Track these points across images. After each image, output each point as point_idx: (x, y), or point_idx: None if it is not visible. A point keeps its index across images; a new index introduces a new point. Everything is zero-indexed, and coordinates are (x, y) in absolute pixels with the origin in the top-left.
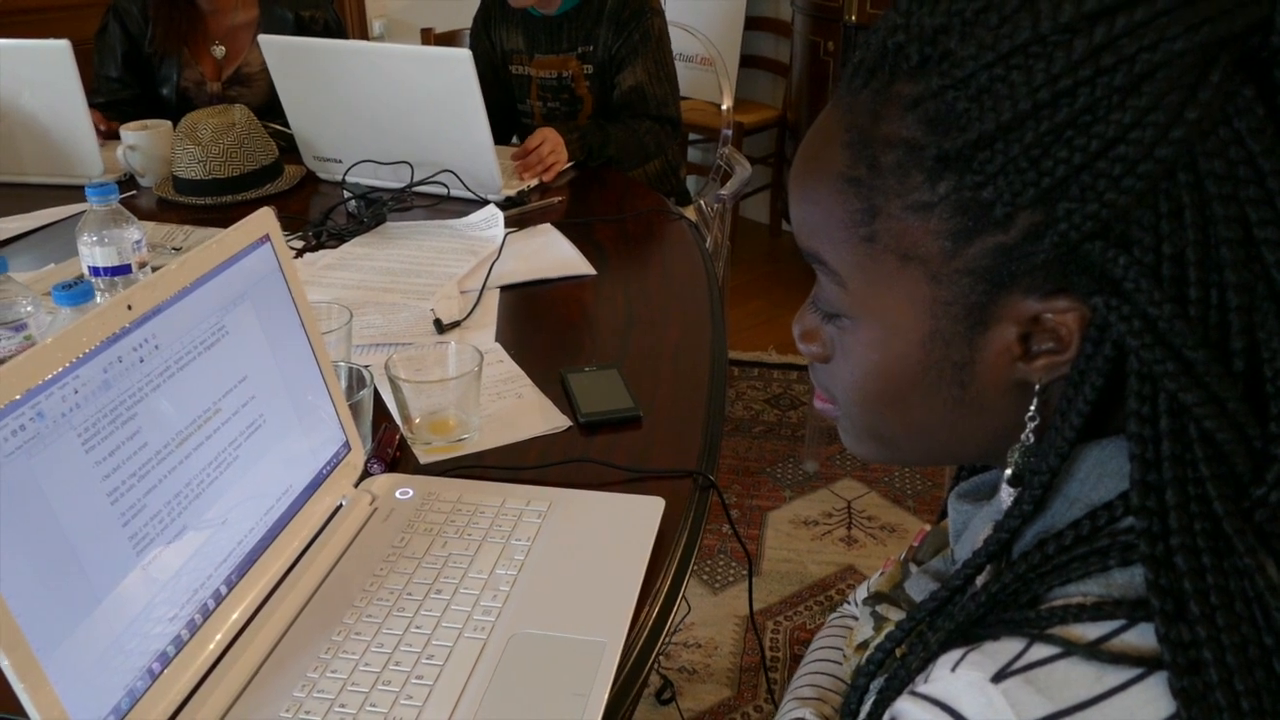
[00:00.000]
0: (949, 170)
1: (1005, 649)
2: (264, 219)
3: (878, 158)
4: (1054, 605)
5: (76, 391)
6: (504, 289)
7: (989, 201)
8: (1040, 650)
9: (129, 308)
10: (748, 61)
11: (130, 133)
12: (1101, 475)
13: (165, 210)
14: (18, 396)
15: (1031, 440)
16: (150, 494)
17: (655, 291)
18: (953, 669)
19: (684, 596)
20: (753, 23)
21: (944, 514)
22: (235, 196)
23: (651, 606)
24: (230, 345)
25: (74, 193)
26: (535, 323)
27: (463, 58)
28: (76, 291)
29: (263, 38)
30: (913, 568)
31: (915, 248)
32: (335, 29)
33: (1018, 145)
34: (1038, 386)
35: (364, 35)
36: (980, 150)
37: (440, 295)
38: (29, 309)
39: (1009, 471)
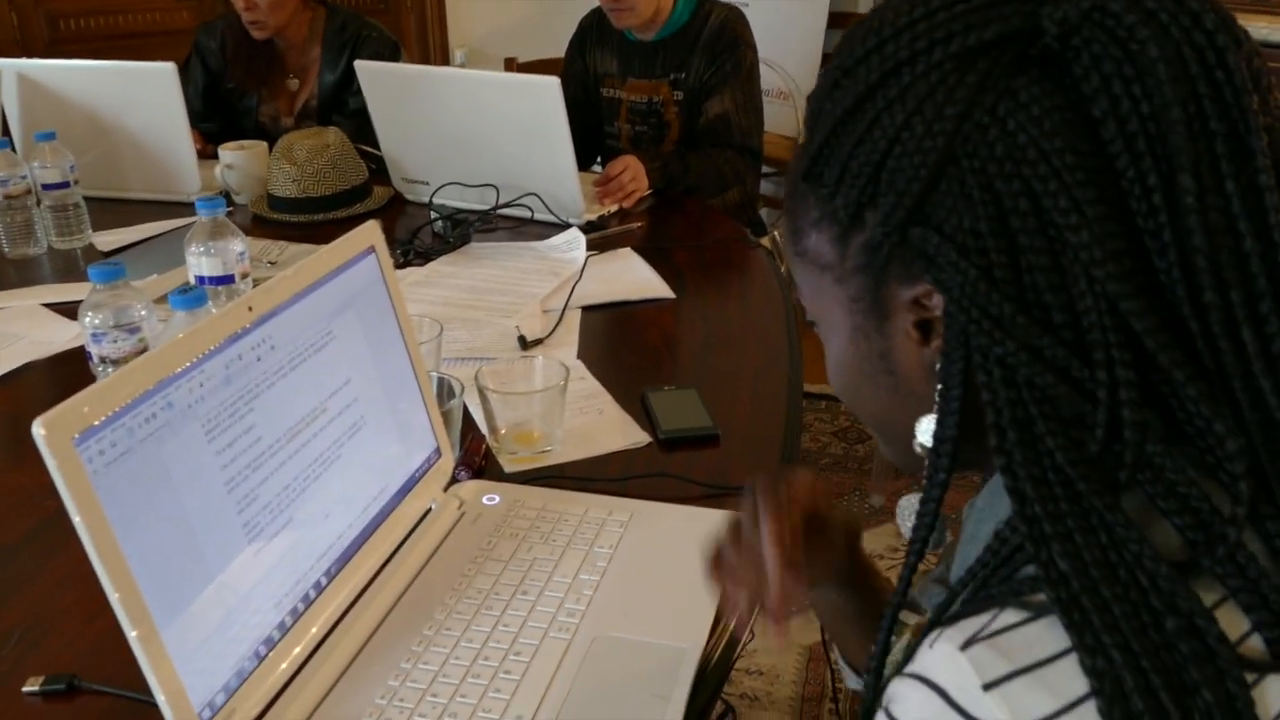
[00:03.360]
0: (813, 187)
1: (976, 621)
2: (369, 232)
3: (793, 189)
4: (1024, 576)
5: (202, 385)
6: (585, 309)
7: (840, 206)
8: (1007, 617)
9: (250, 309)
10: None
11: (228, 152)
12: None
13: (260, 226)
14: (151, 386)
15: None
16: (262, 485)
17: (733, 316)
18: (930, 645)
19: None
20: (832, 58)
21: None
22: (327, 215)
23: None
24: (336, 349)
25: (173, 208)
26: (616, 343)
27: (551, 85)
28: (191, 297)
29: (359, 63)
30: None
31: (821, 257)
32: (387, 60)
33: (839, 155)
34: (936, 367)
35: (445, 64)
36: (819, 165)
37: (524, 313)
38: (143, 313)
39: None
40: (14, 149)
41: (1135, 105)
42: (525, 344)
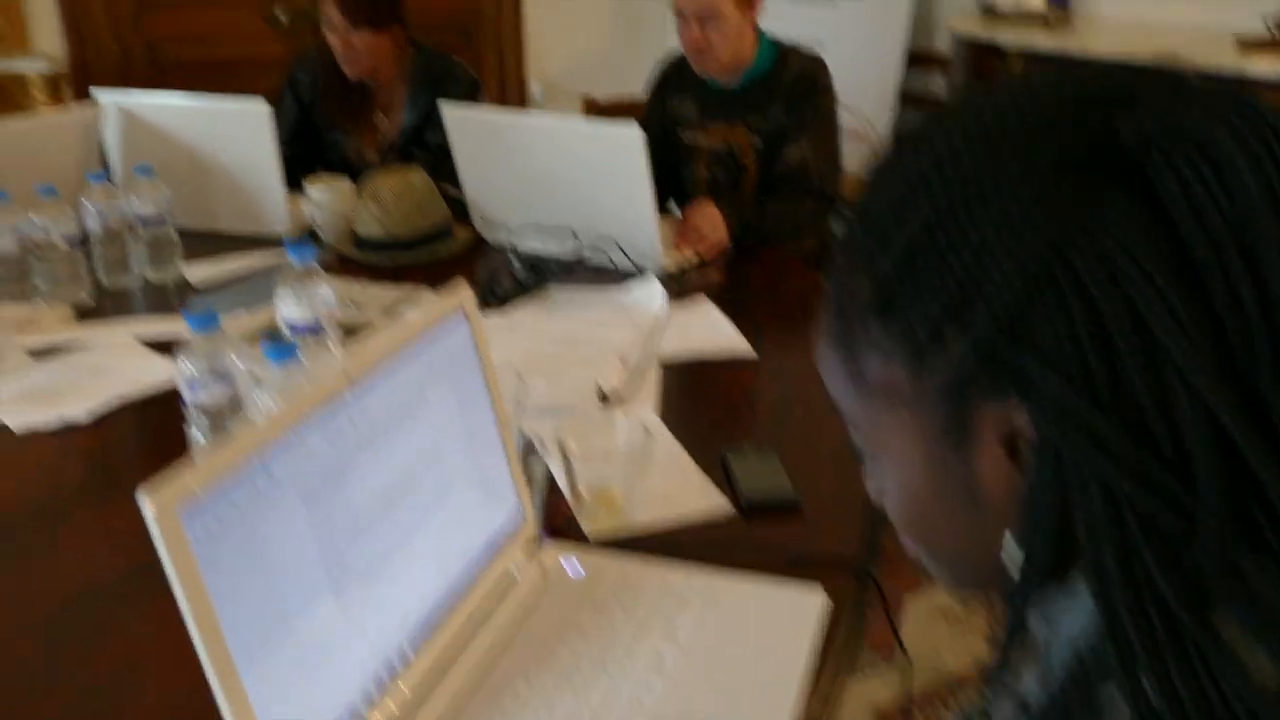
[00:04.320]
0: (884, 309)
1: None
2: (461, 292)
3: (846, 314)
4: (1106, 699)
5: (301, 455)
6: (664, 363)
7: (917, 327)
8: None
9: (346, 376)
10: None
11: (314, 189)
12: None
13: (344, 265)
14: (253, 458)
15: None
16: (353, 554)
17: (813, 375)
18: None
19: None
20: (907, 98)
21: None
22: (411, 256)
23: (811, 703)
24: (428, 413)
25: (260, 242)
26: (695, 400)
27: (634, 135)
28: (285, 350)
29: (445, 106)
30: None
31: (890, 385)
32: (468, 100)
33: (917, 277)
34: (1023, 488)
35: (522, 98)
36: (892, 292)
37: (603, 365)
38: (237, 362)
39: None
40: (112, 181)
41: (1218, 208)
42: (604, 398)
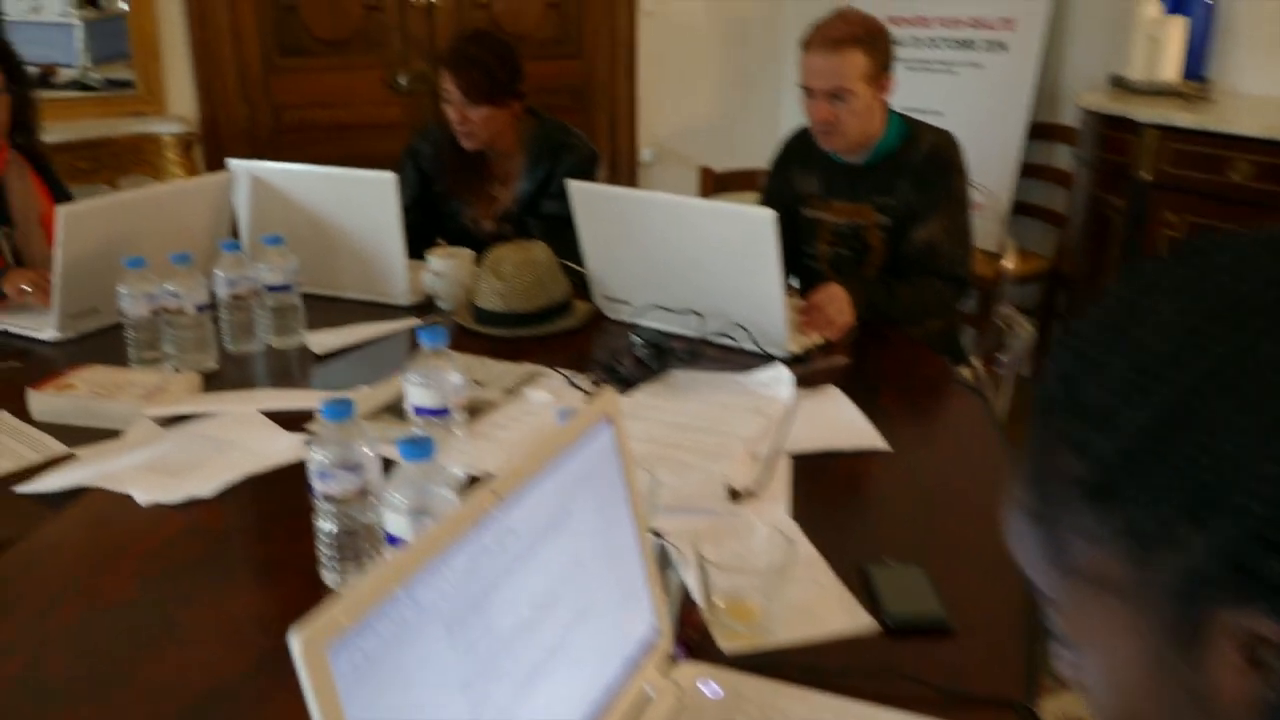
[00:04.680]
0: (1106, 498)
1: None
2: (608, 400)
3: (1049, 491)
4: None
5: (447, 581)
6: (793, 456)
7: (1143, 522)
8: None
9: (495, 494)
10: (1019, 208)
11: (436, 259)
12: None
13: (463, 337)
14: (401, 587)
15: None
16: (496, 682)
17: (952, 473)
18: None
19: None
20: (1029, 170)
21: None
22: (530, 330)
23: None
24: (572, 528)
25: (381, 310)
26: (828, 499)
27: (766, 219)
28: (420, 448)
29: (570, 183)
30: None
31: (1102, 574)
32: (584, 178)
33: (1151, 467)
34: (1265, 700)
35: (632, 162)
36: (1117, 473)
37: (731, 458)
38: (367, 452)
39: None
40: (240, 244)
41: None
42: (735, 495)
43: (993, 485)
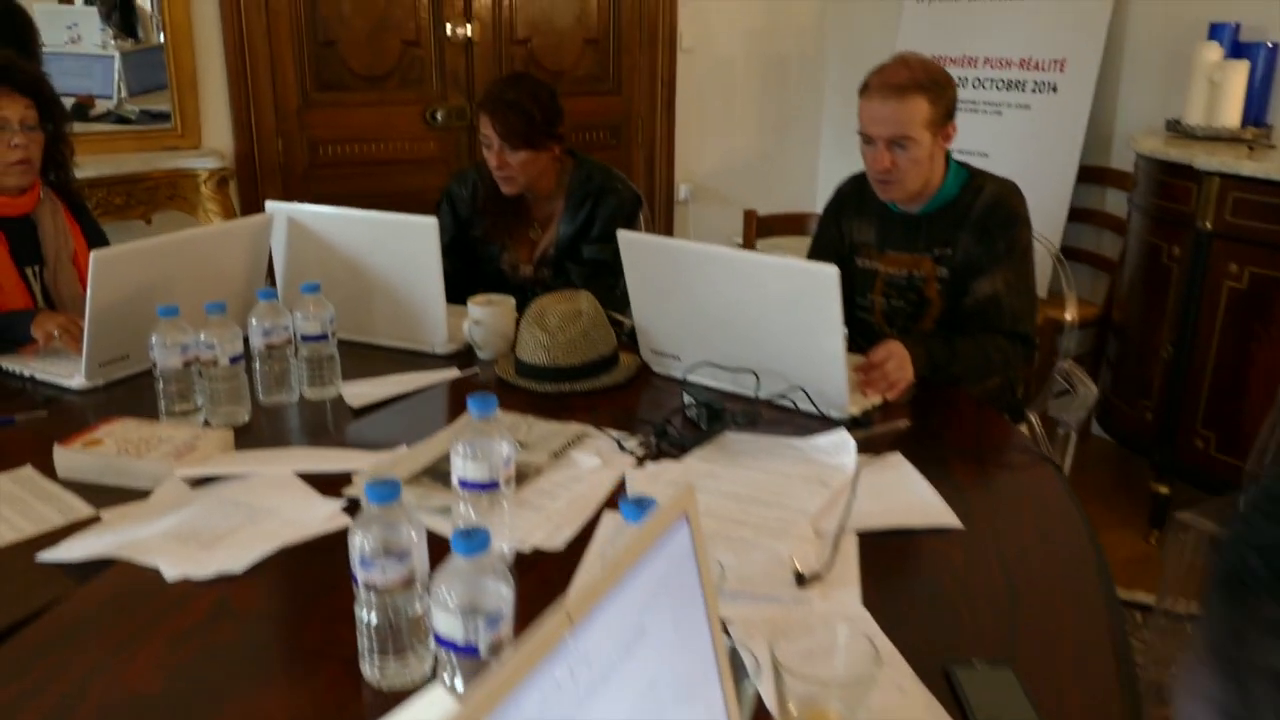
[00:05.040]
0: None
1: None
2: (685, 497)
3: (1252, 691)
4: None
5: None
6: (861, 534)
7: None
8: None
9: (568, 618)
10: (1066, 252)
11: (476, 307)
12: None
13: (504, 391)
14: None
15: None
16: None
17: (1033, 554)
18: None
19: None
20: (1077, 214)
21: None
22: (574, 385)
23: None
24: (648, 647)
25: (417, 359)
26: (902, 585)
27: (829, 275)
28: (474, 541)
29: (621, 234)
30: None
31: None
32: (626, 222)
33: None
34: None
35: (670, 200)
36: None
37: (795, 536)
38: (413, 536)
39: None
40: (275, 288)
41: None
42: (802, 580)
43: (1077, 568)
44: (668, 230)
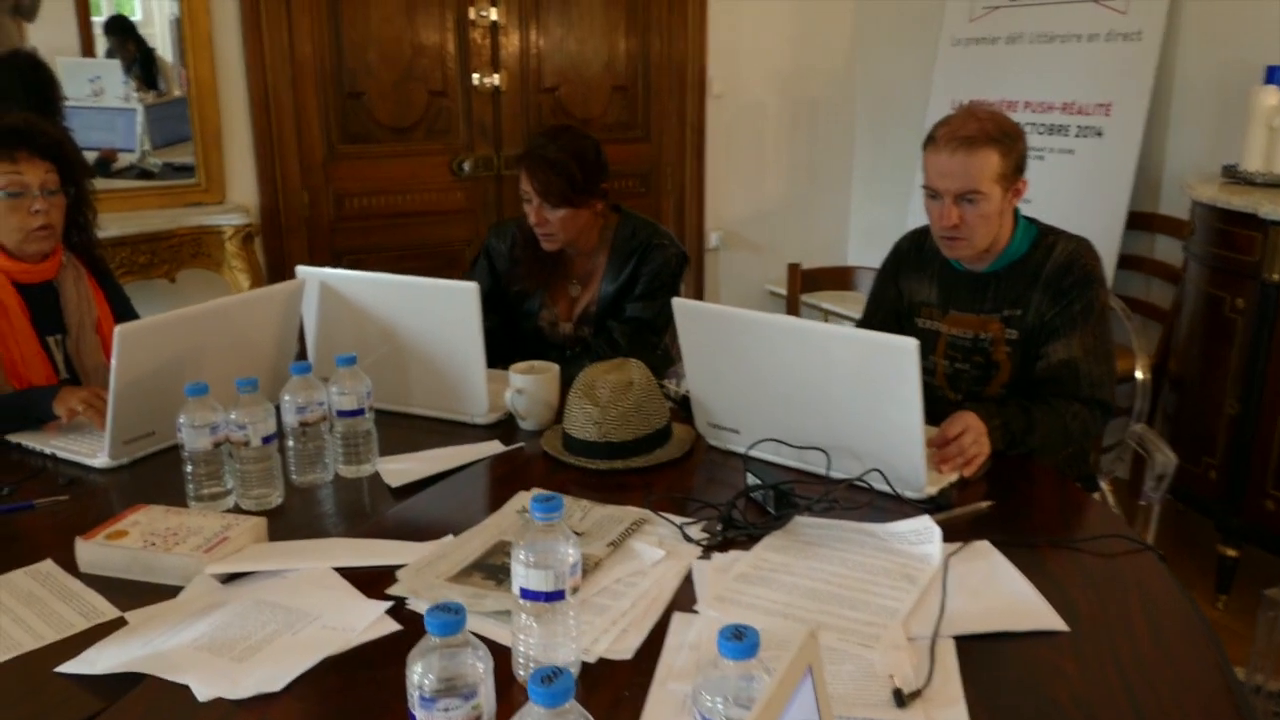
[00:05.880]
0: None
1: None
2: (808, 647)
3: None
4: None
5: None
6: (958, 639)
7: None
8: None
9: None
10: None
11: (518, 375)
12: None
13: (551, 468)
14: None
15: None
16: None
17: (1150, 661)
18: None
19: None
20: (1125, 261)
21: None
22: (627, 462)
23: None
24: None
25: (456, 429)
26: (1012, 703)
27: (908, 348)
28: (555, 693)
29: (677, 302)
30: None
31: None
32: (671, 279)
33: None
34: None
35: (700, 247)
36: None
37: (886, 644)
38: (479, 669)
39: None
40: (308, 364)
41: None
42: (902, 699)
43: (1201, 673)
44: (699, 279)
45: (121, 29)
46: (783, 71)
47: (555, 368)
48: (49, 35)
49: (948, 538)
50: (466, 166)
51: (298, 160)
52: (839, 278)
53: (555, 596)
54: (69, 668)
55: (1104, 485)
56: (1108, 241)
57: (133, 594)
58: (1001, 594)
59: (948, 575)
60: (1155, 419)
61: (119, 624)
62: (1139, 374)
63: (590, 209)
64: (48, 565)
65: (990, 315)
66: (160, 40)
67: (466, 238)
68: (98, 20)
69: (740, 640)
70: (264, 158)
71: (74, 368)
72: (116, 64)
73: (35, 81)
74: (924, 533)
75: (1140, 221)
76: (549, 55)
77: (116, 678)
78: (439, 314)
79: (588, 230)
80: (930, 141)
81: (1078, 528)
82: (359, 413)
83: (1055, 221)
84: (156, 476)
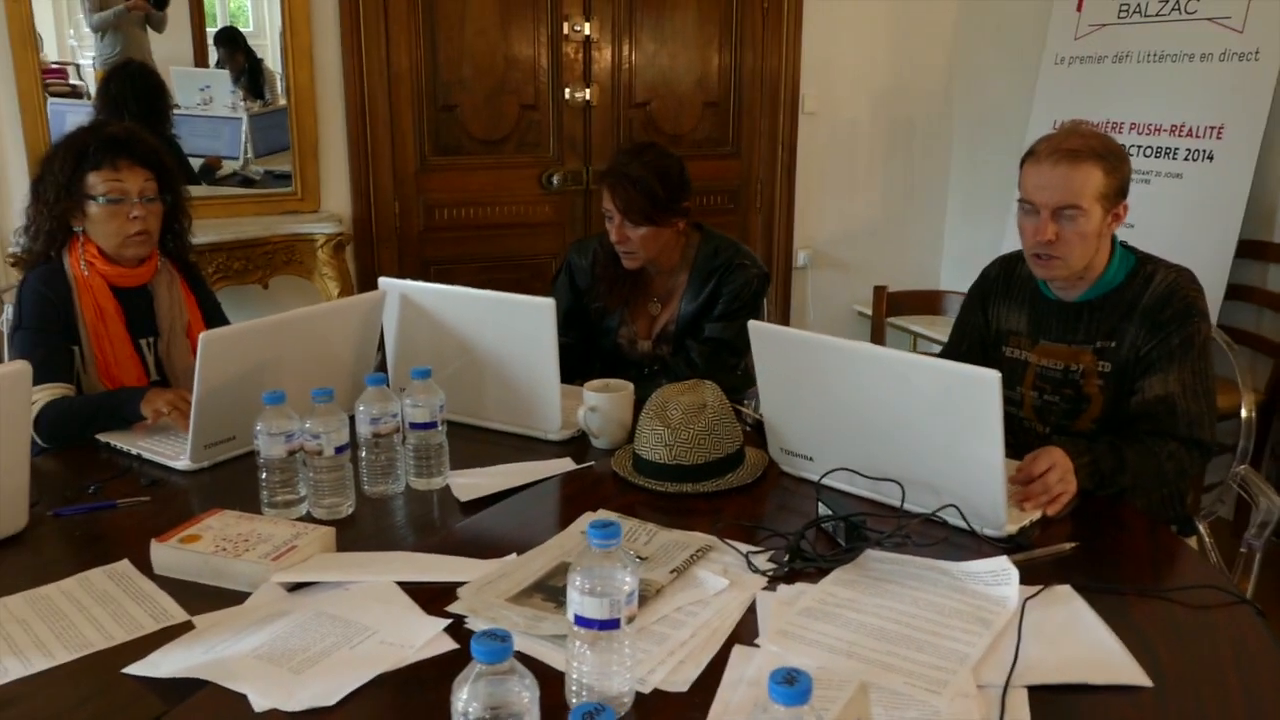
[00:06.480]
0: None
1: None
2: (858, 701)
3: None
4: None
5: None
6: (1031, 690)
7: None
8: None
9: None
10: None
11: (592, 393)
12: None
13: (619, 488)
14: None
15: None
16: None
17: None
18: None
19: None
20: (1234, 291)
21: None
22: (696, 486)
23: None
24: None
25: (528, 444)
26: None
27: (990, 380)
28: None
29: (753, 325)
30: None
31: None
32: (751, 300)
33: None
34: None
35: (788, 266)
36: None
37: (954, 691)
38: (525, 699)
39: None
40: (385, 375)
41: None
42: None
43: None
44: (785, 298)
45: (231, 40)
46: (878, 89)
47: (629, 386)
48: (165, 45)
49: (1026, 580)
50: (555, 180)
51: (390, 171)
52: (927, 301)
53: (610, 625)
54: (135, 669)
55: (1202, 528)
56: (1216, 270)
57: (202, 598)
58: (1081, 643)
59: (1024, 620)
60: (1262, 460)
61: (186, 627)
62: (1244, 411)
63: (672, 227)
64: (124, 565)
65: (1082, 346)
66: (270, 51)
67: (553, 250)
68: (212, 31)
69: (792, 685)
70: (358, 168)
71: (165, 370)
72: (225, 74)
73: (145, 89)
74: (1001, 574)
75: (1251, 250)
76: (641, 70)
77: (179, 681)
78: (515, 329)
79: (669, 248)
80: (1030, 155)
81: (1168, 575)
82: (431, 425)
83: (1161, 248)
84: (235, 481)
